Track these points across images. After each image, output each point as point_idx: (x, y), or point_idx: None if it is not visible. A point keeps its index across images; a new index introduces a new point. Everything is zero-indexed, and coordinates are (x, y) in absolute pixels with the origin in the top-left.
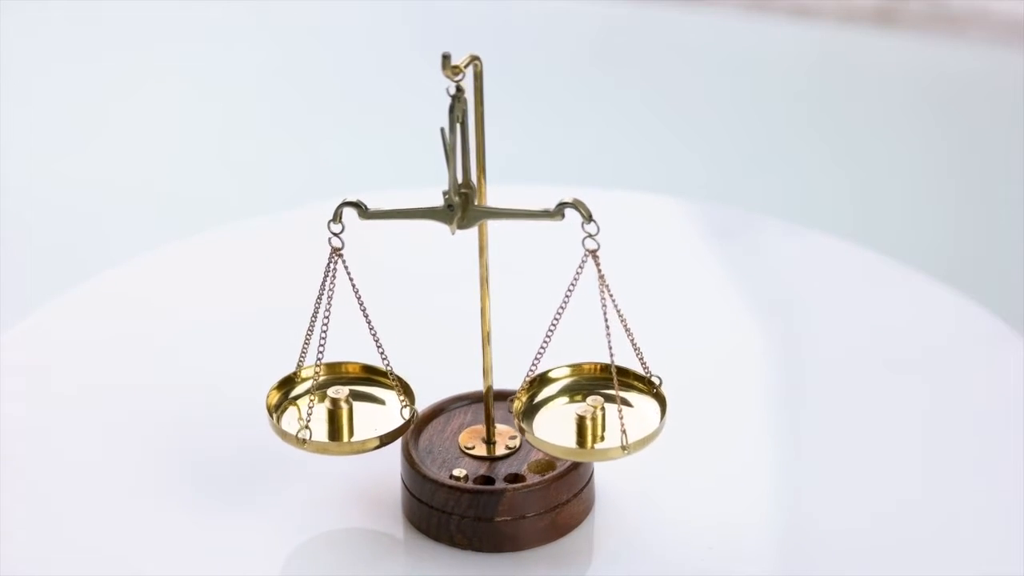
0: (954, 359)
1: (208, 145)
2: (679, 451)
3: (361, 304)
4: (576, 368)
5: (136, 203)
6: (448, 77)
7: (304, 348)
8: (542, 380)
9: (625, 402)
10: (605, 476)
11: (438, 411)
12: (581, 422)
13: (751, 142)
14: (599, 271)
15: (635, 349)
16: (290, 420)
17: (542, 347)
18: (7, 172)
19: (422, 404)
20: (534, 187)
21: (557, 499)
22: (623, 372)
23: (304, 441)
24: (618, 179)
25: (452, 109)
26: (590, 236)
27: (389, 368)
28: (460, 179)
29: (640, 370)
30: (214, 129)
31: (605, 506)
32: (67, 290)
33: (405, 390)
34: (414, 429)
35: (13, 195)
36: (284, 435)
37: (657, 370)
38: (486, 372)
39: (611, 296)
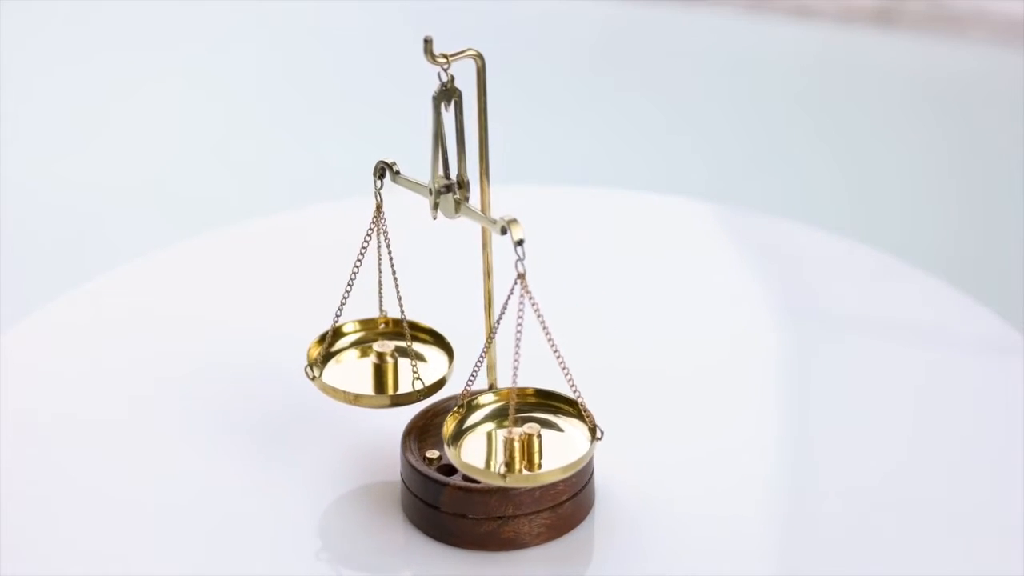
0: (954, 358)
1: (208, 145)
2: (681, 450)
3: (391, 264)
4: (506, 392)
5: (136, 203)
6: (431, 63)
7: (341, 305)
8: (473, 403)
9: (556, 427)
10: (606, 475)
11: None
12: (509, 445)
13: (751, 142)
14: (529, 296)
15: (566, 375)
16: (330, 369)
17: (477, 364)
18: (7, 172)
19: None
20: (532, 187)
21: (500, 511)
22: (553, 396)
23: (313, 378)
24: (618, 179)
25: (435, 96)
26: (519, 260)
27: (406, 327)
28: (453, 169)
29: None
30: (214, 129)
31: (606, 505)
32: (67, 290)
33: (443, 346)
34: (438, 406)
35: (13, 195)
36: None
37: (657, 370)
38: (490, 368)
39: (541, 320)
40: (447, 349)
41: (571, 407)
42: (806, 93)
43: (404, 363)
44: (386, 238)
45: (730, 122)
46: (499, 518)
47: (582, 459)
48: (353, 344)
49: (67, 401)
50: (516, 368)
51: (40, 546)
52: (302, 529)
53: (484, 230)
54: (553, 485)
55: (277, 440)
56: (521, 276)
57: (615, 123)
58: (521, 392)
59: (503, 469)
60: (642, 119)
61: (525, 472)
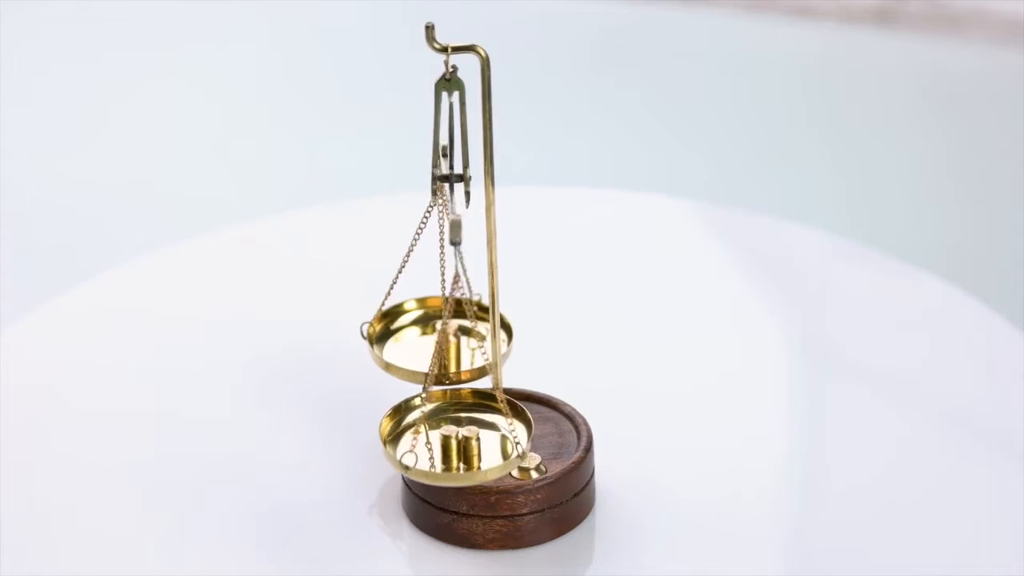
0: (954, 358)
1: (208, 145)
2: (683, 450)
3: (441, 245)
4: (450, 392)
5: (136, 203)
6: (431, 49)
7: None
8: (408, 404)
9: (493, 426)
10: (607, 474)
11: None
12: (446, 443)
13: (751, 142)
14: (467, 299)
15: (494, 375)
16: (392, 345)
17: (433, 363)
18: (7, 172)
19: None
20: (532, 187)
21: (455, 506)
22: (491, 397)
23: (367, 338)
24: (618, 179)
25: (437, 83)
26: (458, 259)
27: (444, 307)
28: (458, 162)
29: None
30: (214, 129)
31: (606, 504)
32: (67, 290)
33: (502, 327)
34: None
35: (13, 195)
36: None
37: (656, 370)
38: (494, 366)
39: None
40: (510, 336)
41: (496, 402)
42: (806, 93)
43: (464, 344)
44: (441, 216)
45: (730, 122)
46: (454, 512)
47: (492, 471)
48: (420, 320)
49: (67, 401)
50: (438, 364)
51: (42, 542)
52: (303, 510)
53: (488, 226)
54: (512, 495)
55: (286, 432)
56: (456, 277)
57: (615, 123)
58: (457, 394)
59: (408, 461)
60: (642, 119)
61: (462, 471)
